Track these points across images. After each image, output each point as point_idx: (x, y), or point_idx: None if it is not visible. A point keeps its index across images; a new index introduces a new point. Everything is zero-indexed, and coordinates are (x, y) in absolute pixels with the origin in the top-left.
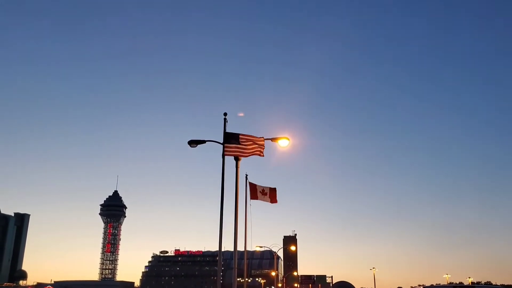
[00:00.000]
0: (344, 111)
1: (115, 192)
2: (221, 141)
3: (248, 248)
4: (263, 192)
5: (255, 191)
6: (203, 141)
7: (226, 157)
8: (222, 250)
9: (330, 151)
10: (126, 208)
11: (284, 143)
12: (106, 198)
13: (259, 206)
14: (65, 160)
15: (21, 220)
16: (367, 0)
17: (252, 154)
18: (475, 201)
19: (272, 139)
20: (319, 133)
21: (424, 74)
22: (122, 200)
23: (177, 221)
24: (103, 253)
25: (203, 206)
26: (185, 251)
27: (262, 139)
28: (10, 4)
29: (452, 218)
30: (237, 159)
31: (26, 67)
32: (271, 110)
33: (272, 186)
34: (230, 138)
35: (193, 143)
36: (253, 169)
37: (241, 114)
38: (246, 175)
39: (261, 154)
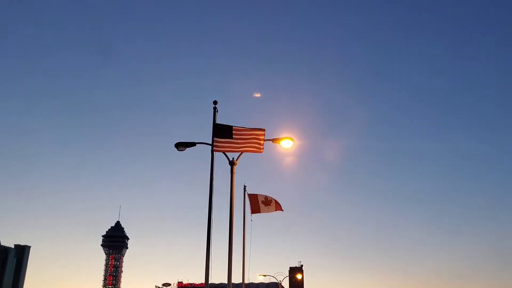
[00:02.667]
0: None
1: (117, 223)
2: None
3: (251, 279)
4: (266, 201)
5: (256, 203)
6: (193, 144)
7: (220, 163)
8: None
9: (338, 164)
10: (128, 239)
11: (287, 144)
12: (108, 229)
13: (259, 233)
14: (67, 191)
15: (22, 252)
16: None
17: (249, 150)
18: (483, 231)
19: (273, 140)
20: (327, 136)
21: (435, 93)
22: (124, 231)
23: (180, 252)
24: (104, 285)
25: (215, 238)
26: (188, 284)
27: (263, 131)
28: None
29: (465, 249)
30: (232, 163)
31: (21, 103)
32: (272, 105)
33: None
34: (221, 131)
35: (181, 145)
36: (249, 180)
37: (258, 95)
38: (244, 186)
39: (260, 149)
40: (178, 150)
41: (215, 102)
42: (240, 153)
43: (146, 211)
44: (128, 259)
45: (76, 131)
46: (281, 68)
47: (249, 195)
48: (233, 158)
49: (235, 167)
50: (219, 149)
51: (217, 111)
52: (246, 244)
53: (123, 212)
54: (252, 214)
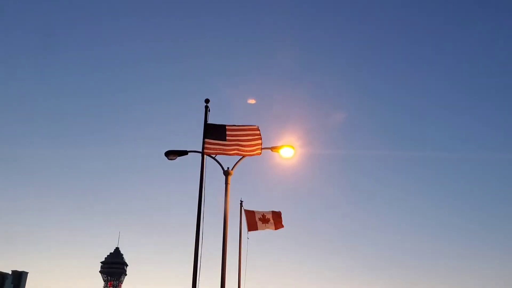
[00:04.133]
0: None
1: (117, 249)
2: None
3: None
4: (264, 219)
5: (253, 220)
6: (185, 152)
7: (214, 173)
8: None
9: (345, 176)
10: (127, 266)
11: (287, 153)
12: (107, 255)
13: (257, 253)
14: (65, 217)
15: (19, 278)
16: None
17: (245, 153)
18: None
19: (272, 148)
20: (333, 143)
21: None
22: (123, 257)
23: (181, 279)
24: None
25: (207, 260)
26: None
27: (257, 130)
28: None
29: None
30: (227, 173)
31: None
32: (271, 110)
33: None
34: (213, 132)
35: (171, 154)
36: (245, 193)
37: (252, 101)
38: (241, 201)
39: (258, 152)
40: (169, 159)
41: (207, 101)
42: (236, 161)
43: (145, 237)
44: (127, 287)
45: (75, 155)
46: (280, 71)
47: (246, 211)
48: (228, 168)
49: (230, 178)
50: (211, 151)
51: (209, 110)
52: (242, 265)
53: (122, 238)
54: (249, 232)
